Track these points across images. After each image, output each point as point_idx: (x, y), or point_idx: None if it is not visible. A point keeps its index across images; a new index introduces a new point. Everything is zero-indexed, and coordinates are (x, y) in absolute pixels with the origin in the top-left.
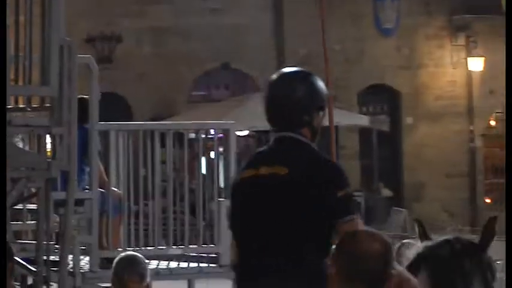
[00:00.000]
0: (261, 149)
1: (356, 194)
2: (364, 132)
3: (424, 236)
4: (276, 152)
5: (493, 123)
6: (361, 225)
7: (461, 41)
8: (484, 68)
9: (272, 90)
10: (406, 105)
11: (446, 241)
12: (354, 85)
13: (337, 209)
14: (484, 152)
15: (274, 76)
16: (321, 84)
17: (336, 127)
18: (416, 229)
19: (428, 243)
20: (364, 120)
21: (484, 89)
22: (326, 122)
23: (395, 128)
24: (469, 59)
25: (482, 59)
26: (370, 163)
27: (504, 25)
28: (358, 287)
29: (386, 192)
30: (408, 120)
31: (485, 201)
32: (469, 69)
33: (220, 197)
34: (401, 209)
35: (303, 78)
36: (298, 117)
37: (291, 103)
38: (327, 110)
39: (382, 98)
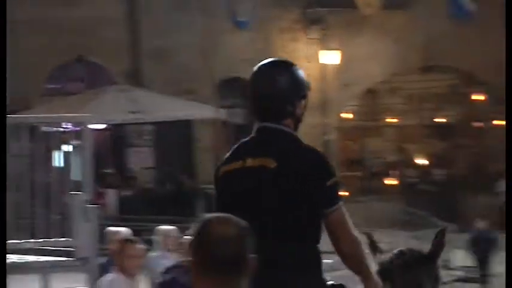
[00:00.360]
0: (244, 139)
1: (211, 187)
2: (219, 125)
3: (373, 248)
4: (262, 144)
5: (346, 116)
6: (345, 211)
7: (315, 34)
8: (338, 61)
9: (255, 83)
10: None
11: (401, 253)
12: (209, 78)
13: (326, 198)
14: (339, 145)
15: (257, 68)
16: (301, 73)
17: (192, 120)
18: (367, 242)
19: (385, 257)
20: (219, 114)
21: (338, 82)
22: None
23: (251, 121)
24: (323, 52)
25: (336, 52)
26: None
27: (358, 19)
28: (215, 274)
29: None
30: None
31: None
32: (323, 62)
33: (74, 191)
34: None
35: (285, 69)
36: (281, 108)
37: (274, 95)
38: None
39: (237, 91)
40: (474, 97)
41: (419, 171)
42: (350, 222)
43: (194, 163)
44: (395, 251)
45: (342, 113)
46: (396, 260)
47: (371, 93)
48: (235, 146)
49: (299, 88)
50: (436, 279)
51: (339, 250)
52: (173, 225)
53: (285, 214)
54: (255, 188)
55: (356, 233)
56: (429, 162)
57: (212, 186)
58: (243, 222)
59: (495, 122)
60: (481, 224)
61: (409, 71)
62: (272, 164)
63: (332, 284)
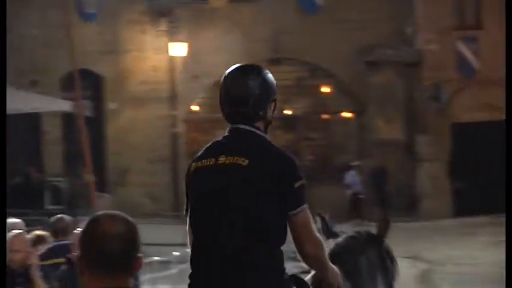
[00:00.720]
0: (217, 139)
1: (58, 179)
2: (67, 118)
3: (327, 230)
4: (235, 143)
5: (194, 108)
6: (309, 214)
7: (164, 26)
8: (187, 53)
9: (227, 87)
10: (109, 90)
11: (351, 237)
12: (56, 70)
13: (293, 200)
14: (186, 137)
15: (228, 72)
16: (271, 77)
17: (40, 113)
18: (319, 223)
19: (338, 240)
20: (66, 106)
21: (186, 74)
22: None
23: (99, 113)
24: (170, 44)
25: (185, 44)
26: (73, 148)
27: (207, 11)
28: (102, 270)
29: (90, 177)
30: (112, 105)
31: None
32: (171, 54)
33: None
34: (104, 194)
35: (256, 74)
36: (253, 112)
37: (247, 99)
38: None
39: (85, 83)
40: (321, 89)
41: None
42: (313, 224)
43: (42, 156)
44: (344, 236)
45: (190, 105)
46: (346, 243)
47: (219, 85)
48: (208, 145)
49: (270, 93)
50: (389, 256)
51: (303, 250)
52: (21, 218)
53: (253, 212)
54: (227, 184)
55: (318, 234)
56: None
57: (60, 178)
58: (132, 220)
59: (342, 114)
60: (326, 216)
61: (257, 63)
62: (244, 162)
63: (293, 275)
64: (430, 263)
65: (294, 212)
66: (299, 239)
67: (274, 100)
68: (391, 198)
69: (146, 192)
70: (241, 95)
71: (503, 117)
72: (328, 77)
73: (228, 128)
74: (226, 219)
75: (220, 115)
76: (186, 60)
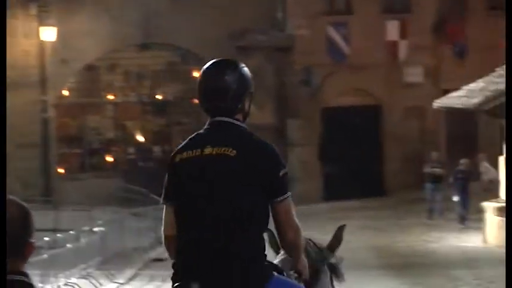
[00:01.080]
0: (199, 132)
1: None
2: None
3: (276, 245)
4: (219, 135)
5: (65, 93)
6: (291, 201)
7: (34, 11)
8: (56, 38)
9: (206, 82)
10: None
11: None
12: None
13: (278, 188)
14: (57, 122)
15: (206, 67)
16: (247, 71)
17: None
18: (268, 241)
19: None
20: None
21: (56, 59)
22: None
23: None
24: (41, 28)
25: (54, 29)
26: None
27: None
28: None
29: None
30: None
31: (57, 170)
32: (42, 39)
33: None
34: None
35: (234, 69)
36: (232, 105)
37: (225, 93)
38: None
39: None
40: (193, 74)
41: (138, 148)
42: (294, 212)
43: None
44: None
45: (60, 90)
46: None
47: (90, 70)
48: (190, 137)
49: (246, 86)
50: (334, 270)
51: (284, 237)
52: None
53: (239, 203)
54: (213, 175)
55: (297, 221)
56: (148, 139)
57: None
58: (25, 204)
59: None
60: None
61: (127, 48)
62: (232, 152)
63: (269, 262)
64: None
65: (279, 199)
66: (282, 226)
67: (251, 93)
68: None
69: (17, 177)
70: (219, 90)
71: (373, 101)
72: (199, 61)
73: (208, 121)
74: (212, 210)
75: (92, 100)
76: (55, 45)
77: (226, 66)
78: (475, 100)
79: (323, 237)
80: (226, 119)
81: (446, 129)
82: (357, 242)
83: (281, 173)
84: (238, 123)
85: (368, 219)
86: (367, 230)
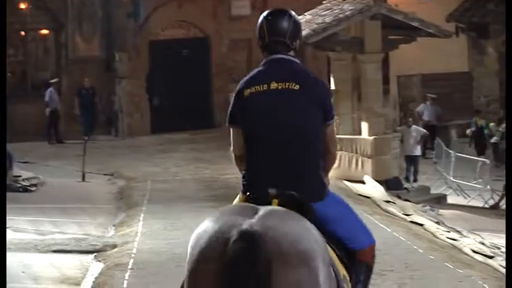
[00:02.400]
0: (259, 69)
1: None
2: None
3: None
4: (282, 71)
5: None
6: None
7: None
8: None
9: (270, 23)
10: None
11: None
12: None
13: (329, 113)
14: None
15: (269, 13)
16: (299, 19)
17: None
18: None
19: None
20: None
21: None
22: None
23: None
24: None
25: None
26: None
27: None
28: None
29: None
30: None
31: None
32: None
33: None
34: None
35: (290, 15)
36: (289, 42)
37: (285, 33)
38: None
39: None
40: (20, 5)
41: None
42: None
43: None
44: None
45: None
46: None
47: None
48: (253, 73)
49: (299, 29)
50: None
51: (329, 150)
52: None
53: (307, 125)
54: (283, 105)
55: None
56: None
57: None
58: None
59: (40, 31)
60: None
61: None
62: (296, 86)
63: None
64: (129, 180)
65: (329, 122)
66: (328, 143)
67: (301, 36)
68: (97, 116)
69: None
70: (281, 28)
71: (201, 34)
72: None
73: (267, 58)
74: (282, 135)
75: None
76: None
77: (284, 12)
78: (302, 33)
79: (151, 169)
80: (284, 56)
81: None
82: (184, 173)
83: (331, 101)
84: (295, 59)
85: (196, 152)
86: (196, 161)
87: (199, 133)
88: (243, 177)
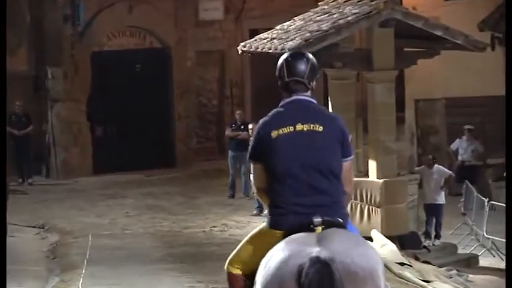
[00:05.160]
0: (280, 110)
1: None
2: None
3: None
4: (305, 113)
5: None
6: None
7: None
8: None
9: (290, 64)
10: None
11: None
12: None
13: (346, 151)
14: None
15: (289, 55)
16: (315, 61)
17: None
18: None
19: None
20: None
21: None
22: None
23: None
24: None
25: None
26: None
27: None
28: None
29: None
30: None
31: None
32: None
33: None
34: None
35: (308, 57)
36: (308, 83)
37: (304, 72)
38: None
39: None
40: None
41: None
42: (353, 171)
43: None
44: None
45: None
46: None
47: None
48: (275, 113)
49: (316, 70)
50: None
51: (344, 188)
52: None
53: (330, 163)
54: (309, 146)
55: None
56: None
57: None
58: None
59: None
60: None
61: None
62: (319, 128)
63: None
64: (65, 235)
65: (345, 160)
66: (344, 180)
67: (317, 78)
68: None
69: None
70: (300, 68)
71: (159, 44)
72: None
73: (287, 100)
74: (313, 173)
75: None
76: None
77: (303, 55)
78: (291, 43)
79: (94, 221)
80: (304, 97)
81: (252, 81)
82: (136, 226)
83: (349, 139)
84: (313, 100)
85: (152, 198)
86: (151, 211)
87: (156, 173)
88: (271, 212)
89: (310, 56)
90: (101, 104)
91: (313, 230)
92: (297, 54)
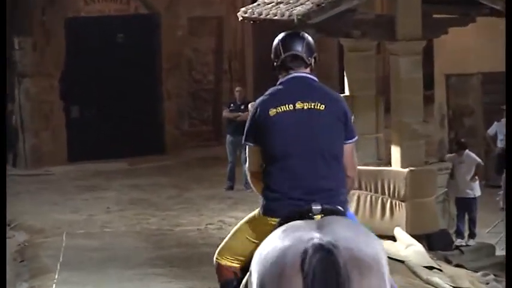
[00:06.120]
0: (278, 87)
1: None
2: None
3: None
4: (304, 91)
5: None
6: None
7: None
8: None
9: (286, 41)
10: None
11: None
12: None
13: (349, 133)
14: None
15: (285, 35)
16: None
17: None
18: None
19: None
20: None
21: None
22: None
23: None
24: None
25: None
26: None
27: None
28: None
29: None
30: None
31: None
32: None
33: None
34: None
35: (304, 34)
36: (305, 57)
37: (302, 47)
38: None
39: None
40: None
41: None
42: (355, 153)
43: None
44: None
45: None
46: None
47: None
48: (272, 91)
49: (314, 48)
50: None
51: (347, 173)
52: None
53: (333, 144)
54: (310, 125)
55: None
56: None
57: None
58: None
59: None
60: None
61: None
62: (321, 106)
63: None
64: (34, 233)
65: (348, 142)
66: (346, 164)
67: (315, 56)
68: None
69: None
70: (297, 43)
71: (145, 10)
72: None
73: (285, 77)
74: (313, 153)
75: None
76: None
77: (298, 33)
78: (300, 8)
79: (68, 217)
80: (303, 74)
81: (255, 52)
82: (119, 223)
83: (352, 120)
84: (313, 77)
85: (138, 190)
86: (137, 205)
87: (142, 161)
88: (265, 196)
89: (306, 34)
90: (76, 80)
91: (311, 218)
92: (292, 33)
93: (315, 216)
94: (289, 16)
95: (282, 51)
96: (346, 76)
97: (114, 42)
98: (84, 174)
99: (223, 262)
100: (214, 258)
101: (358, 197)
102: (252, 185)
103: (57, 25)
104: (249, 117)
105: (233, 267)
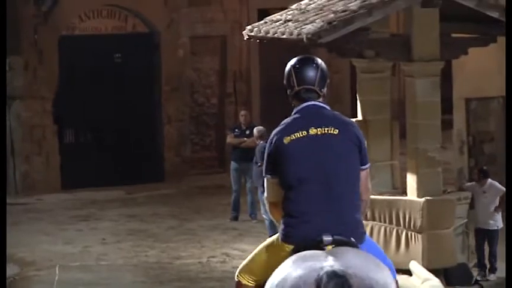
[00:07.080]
0: (293, 117)
1: None
2: None
3: None
4: (318, 117)
5: None
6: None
7: None
8: None
9: (299, 71)
10: None
11: None
12: None
13: (363, 158)
14: None
15: (297, 61)
16: (325, 66)
17: None
18: None
19: None
20: None
21: None
22: None
23: None
24: None
25: None
26: None
27: None
28: None
29: None
30: None
31: None
32: None
33: None
34: None
35: (317, 63)
36: (319, 90)
37: (314, 79)
38: None
39: None
40: None
41: None
42: (370, 178)
43: None
44: None
45: None
46: None
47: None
48: (287, 121)
49: (327, 76)
50: None
51: (362, 196)
52: None
53: (347, 170)
54: (324, 150)
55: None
56: None
57: None
58: None
59: None
60: None
61: None
62: (335, 131)
63: None
64: (25, 266)
65: (364, 167)
66: (361, 188)
67: (328, 85)
68: None
69: None
70: (310, 76)
71: (144, 28)
72: None
73: (299, 106)
74: (327, 179)
75: None
76: None
77: (311, 60)
78: (310, 27)
79: (61, 249)
80: (316, 103)
81: (261, 73)
82: (115, 256)
83: (365, 145)
84: (326, 105)
85: (136, 220)
86: (134, 237)
87: (140, 189)
88: (284, 222)
89: (319, 60)
90: (70, 102)
91: (322, 249)
92: (304, 60)
93: (325, 247)
94: (298, 35)
95: (295, 82)
96: (359, 99)
97: (111, 62)
98: (79, 203)
99: (244, 281)
100: (236, 275)
101: (372, 228)
102: (270, 214)
103: (50, 44)
104: (266, 149)
105: (251, 286)
